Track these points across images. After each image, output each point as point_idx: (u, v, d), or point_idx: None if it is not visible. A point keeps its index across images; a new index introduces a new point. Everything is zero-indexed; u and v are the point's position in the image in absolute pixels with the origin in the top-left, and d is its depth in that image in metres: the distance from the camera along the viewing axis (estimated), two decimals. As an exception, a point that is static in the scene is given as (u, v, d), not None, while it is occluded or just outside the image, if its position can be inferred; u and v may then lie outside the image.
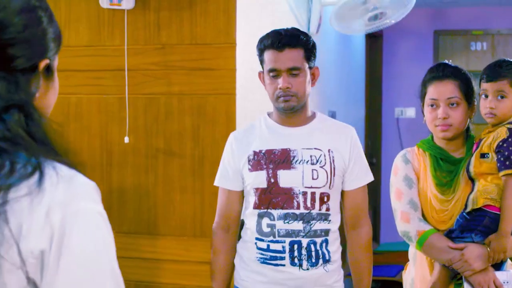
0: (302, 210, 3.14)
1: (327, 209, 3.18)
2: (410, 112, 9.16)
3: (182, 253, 4.26)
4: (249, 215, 3.24)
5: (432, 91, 3.27)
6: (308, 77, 3.19)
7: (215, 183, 3.35)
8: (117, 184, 4.36)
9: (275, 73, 3.15)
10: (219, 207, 3.36)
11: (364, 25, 5.47)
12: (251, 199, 3.22)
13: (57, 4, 4.43)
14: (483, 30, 9.15)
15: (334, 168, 3.18)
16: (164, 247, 4.28)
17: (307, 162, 3.16)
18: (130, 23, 4.29)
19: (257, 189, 3.19)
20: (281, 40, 3.14)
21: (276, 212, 3.15)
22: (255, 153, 3.22)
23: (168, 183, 4.28)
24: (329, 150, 3.20)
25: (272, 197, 3.16)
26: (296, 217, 3.14)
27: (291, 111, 3.19)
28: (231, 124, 4.12)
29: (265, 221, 3.18)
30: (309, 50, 3.19)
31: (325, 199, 3.17)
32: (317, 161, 3.17)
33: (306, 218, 3.14)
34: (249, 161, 3.22)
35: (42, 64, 1.46)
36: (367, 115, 8.76)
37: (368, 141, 8.91)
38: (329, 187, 3.17)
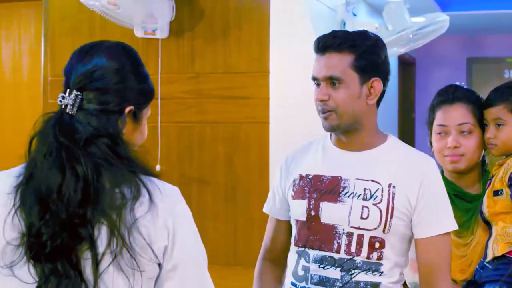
0: (342, 255, 2.50)
1: (379, 258, 2.50)
2: (444, 140, 9.10)
3: (215, 282, 4.20)
4: (291, 252, 2.67)
5: (441, 116, 2.85)
6: (357, 90, 2.50)
7: (264, 209, 2.84)
8: (151, 212, 4.37)
9: (316, 81, 2.56)
10: (265, 237, 2.86)
11: (394, 52, 5.48)
12: (293, 232, 2.66)
13: (91, 34, 4.47)
14: (517, 58, 9.11)
15: (392, 208, 2.48)
16: (197, 275, 4.28)
17: (358, 196, 2.51)
18: (164, 52, 4.33)
19: (297, 221, 2.62)
20: (325, 41, 2.53)
21: (312, 253, 2.55)
22: (301, 177, 2.63)
23: (201, 211, 4.28)
24: (390, 184, 2.50)
25: (310, 234, 2.56)
26: (333, 263, 2.51)
27: (335, 131, 2.57)
28: (264, 152, 4.12)
29: (302, 262, 2.59)
30: (364, 57, 2.51)
31: (377, 245, 2.50)
32: (370, 197, 2.50)
33: (346, 266, 2.50)
34: (293, 186, 2.65)
35: (127, 109, 1.92)
36: (400, 143, 8.70)
37: (401, 169, 8.85)
38: (383, 230, 2.48)
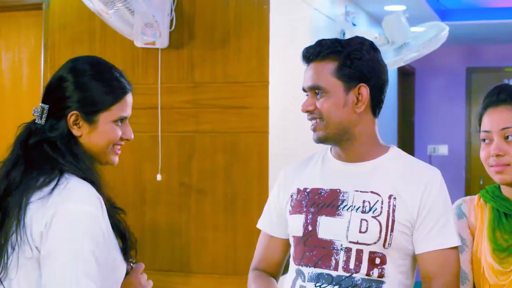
0: (340, 272, 2.33)
1: (380, 275, 2.32)
2: (443, 150, 9.11)
3: (214, 291, 4.25)
4: (290, 270, 2.50)
5: (485, 121, 2.47)
6: (342, 98, 2.37)
7: (257, 225, 2.69)
8: (150, 221, 4.37)
9: (305, 93, 2.46)
10: (257, 253, 2.67)
11: (393, 62, 5.49)
12: (291, 250, 2.51)
13: (91, 43, 4.48)
14: (516, 67, 9.12)
15: (393, 221, 2.32)
16: (196, 284, 4.28)
17: (357, 209, 2.35)
18: (163, 62, 4.33)
19: (294, 237, 2.47)
20: (309, 50, 2.44)
21: (307, 271, 2.38)
22: (298, 191, 2.49)
23: (200, 221, 4.28)
24: (391, 196, 2.34)
25: (306, 250, 2.40)
26: (331, 281, 2.34)
27: (324, 142, 2.44)
28: (263, 162, 4.13)
29: (298, 282, 2.42)
30: (348, 63, 2.37)
31: (377, 261, 2.32)
32: (370, 209, 2.34)
33: (344, 284, 2.32)
34: (291, 200, 2.50)
35: (70, 115, 2.16)
36: (400, 153, 8.70)
37: (401, 179, 8.85)
38: (384, 245, 2.31)
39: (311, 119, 2.43)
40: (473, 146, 9.08)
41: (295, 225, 2.45)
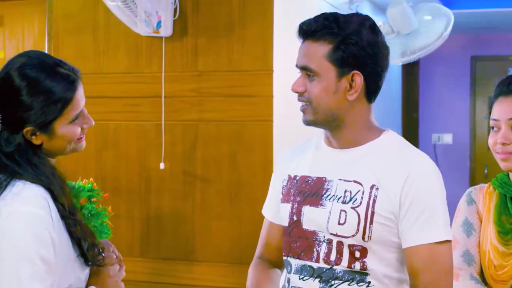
0: (321, 264, 2.25)
1: (363, 268, 2.21)
2: (447, 138, 9.10)
3: (219, 279, 4.25)
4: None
5: (494, 109, 2.57)
6: (333, 84, 2.24)
7: (262, 210, 2.64)
8: (155, 210, 4.37)
9: (298, 70, 2.34)
10: (260, 239, 2.61)
11: (400, 58, 5.48)
12: None
13: (95, 32, 4.47)
14: (521, 56, 9.10)
15: (372, 213, 2.19)
16: (201, 273, 4.28)
17: (338, 199, 2.24)
18: (167, 50, 4.32)
19: (283, 227, 2.40)
20: (305, 26, 2.29)
21: (294, 263, 2.32)
22: (289, 178, 2.41)
23: (205, 210, 4.28)
24: (373, 186, 2.21)
25: (292, 241, 2.33)
26: (312, 273, 2.27)
27: (311, 125, 2.34)
28: (268, 150, 4.12)
29: (286, 273, 2.38)
30: (342, 47, 2.21)
31: (357, 254, 2.21)
32: (350, 200, 2.22)
33: (325, 276, 2.24)
34: (282, 188, 2.44)
35: (25, 130, 2.13)
36: (404, 141, 8.70)
37: (405, 168, 8.85)
38: (363, 238, 2.20)
39: (300, 101, 2.33)
40: (477, 134, 9.08)
41: (283, 214, 2.37)
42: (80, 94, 2.21)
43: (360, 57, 2.22)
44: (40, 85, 2.13)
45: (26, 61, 2.16)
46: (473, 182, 8.60)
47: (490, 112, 2.60)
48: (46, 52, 4.54)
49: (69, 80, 2.18)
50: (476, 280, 2.49)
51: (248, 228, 4.13)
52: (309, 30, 2.25)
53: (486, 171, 8.81)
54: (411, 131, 9.05)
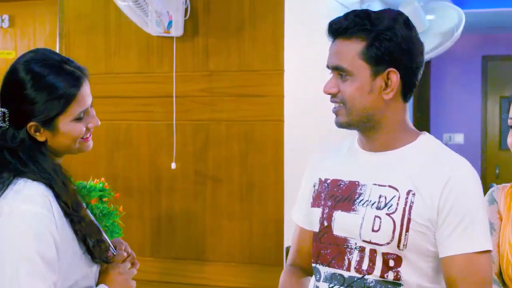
0: (352, 272, 2.13)
1: (397, 278, 2.08)
2: (459, 138, 9.07)
3: (230, 279, 4.25)
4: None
5: None
6: (368, 83, 2.11)
7: (292, 217, 2.48)
8: (166, 209, 4.37)
9: (329, 70, 2.19)
10: (291, 245, 2.47)
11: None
12: None
13: (106, 32, 4.48)
14: (532, 55, 9.08)
15: (408, 220, 2.06)
16: (212, 273, 4.28)
17: (372, 204, 2.12)
18: (178, 51, 4.33)
19: (313, 232, 2.27)
20: (335, 24, 2.14)
21: (323, 270, 2.20)
22: (320, 181, 2.28)
23: (216, 209, 4.28)
24: (409, 191, 2.09)
25: (322, 248, 2.21)
26: (342, 282, 2.15)
27: (346, 128, 2.20)
28: (279, 150, 4.12)
29: (315, 281, 2.25)
30: (376, 44, 2.09)
31: (391, 263, 2.08)
32: (385, 205, 2.11)
33: (355, 286, 2.13)
34: (313, 191, 2.30)
35: (29, 125, 2.13)
36: (415, 141, 8.69)
37: (416, 167, 8.84)
38: (398, 246, 2.07)
39: (333, 102, 2.17)
40: (489, 134, 9.05)
41: (314, 220, 2.24)
42: (86, 92, 2.20)
43: (395, 53, 2.09)
44: (43, 79, 2.14)
45: (33, 56, 2.17)
46: (484, 182, 8.54)
47: (509, 111, 2.46)
48: (57, 51, 4.55)
49: (74, 77, 2.17)
50: (494, 280, 2.35)
51: (258, 228, 4.13)
52: (340, 28, 2.11)
53: (497, 171, 8.78)
54: (422, 131, 9.02)
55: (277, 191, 4.09)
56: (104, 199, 3.70)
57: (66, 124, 2.17)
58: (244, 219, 4.22)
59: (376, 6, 6.28)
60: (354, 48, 2.09)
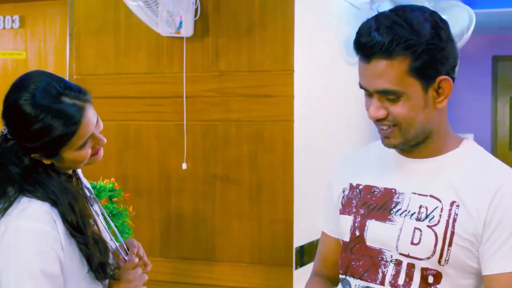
0: (386, 287, 2.00)
1: None
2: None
3: (239, 280, 4.25)
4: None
5: None
6: (422, 98, 1.95)
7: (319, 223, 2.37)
8: (175, 210, 4.38)
9: (366, 91, 2.01)
10: (317, 253, 2.37)
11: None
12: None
13: (117, 33, 4.48)
14: (543, 56, 9.05)
15: (452, 233, 1.92)
16: (221, 273, 4.28)
17: (412, 215, 1.98)
18: (188, 51, 4.33)
19: (342, 241, 2.15)
20: (368, 44, 1.92)
21: (354, 283, 2.07)
22: (351, 187, 2.16)
23: (225, 210, 4.28)
24: (453, 203, 1.94)
25: (353, 259, 2.08)
26: None
27: (398, 148, 2.06)
28: (288, 151, 4.12)
29: None
30: (426, 56, 1.90)
31: (430, 279, 1.95)
32: (426, 217, 1.95)
33: None
34: (342, 197, 2.18)
35: (33, 155, 2.15)
36: (425, 142, 8.69)
37: (426, 168, 8.83)
38: (439, 261, 1.93)
39: (382, 125, 2.00)
40: (499, 134, 9.03)
41: (343, 228, 2.12)
42: (88, 120, 2.17)
43: (443, 59, 1.95)
44: (40, 122, 2.12)
45: (32, 92, 2.13)
46: (494, 182, 8.54)
47: None
48: (68, 52, 4.55)
49: (72, 112, 2.13)
50: None
51: (268, 228, 4.12)
52: (379, 47, 1.89)
53: (507, 171, 8.77)
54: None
55: (287, 191, 4.08)
56: (114, 199, 3.70)
57: (70, 153, 2.19)
58: (254, 219, 4.22)
59: (386, 7, 6.27)
60: (399, 66, 1.90)
